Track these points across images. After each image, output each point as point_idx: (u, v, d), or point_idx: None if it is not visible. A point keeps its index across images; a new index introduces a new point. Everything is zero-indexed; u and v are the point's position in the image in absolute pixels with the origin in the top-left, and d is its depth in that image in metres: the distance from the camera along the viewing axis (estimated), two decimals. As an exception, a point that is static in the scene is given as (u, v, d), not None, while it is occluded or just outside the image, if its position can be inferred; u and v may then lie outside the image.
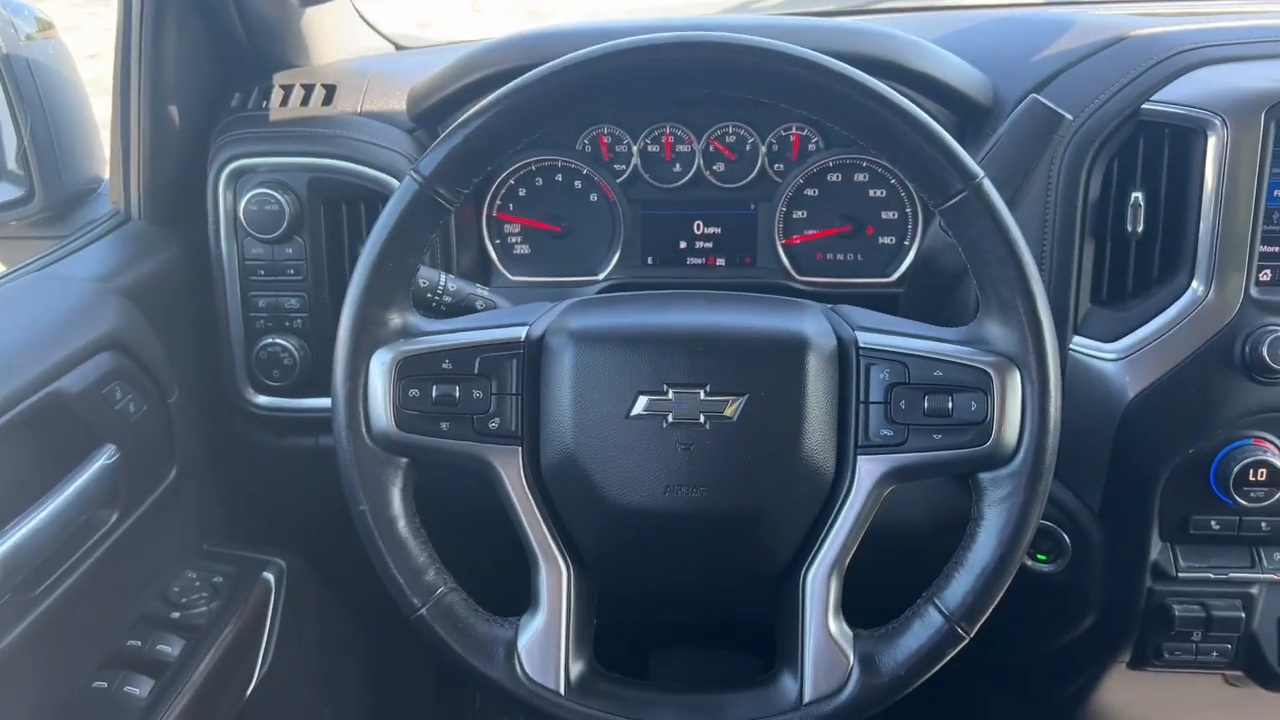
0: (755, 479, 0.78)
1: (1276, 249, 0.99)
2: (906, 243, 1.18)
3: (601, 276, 1.21)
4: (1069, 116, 0.88)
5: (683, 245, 1.22)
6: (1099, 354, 1.02)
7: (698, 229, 1.21)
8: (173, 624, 1.08)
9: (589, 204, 1.21)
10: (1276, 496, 0.99)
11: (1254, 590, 1.07)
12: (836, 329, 0.81)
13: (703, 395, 0.77)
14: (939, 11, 1.46)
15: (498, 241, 1.23)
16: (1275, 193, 0.98)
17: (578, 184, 1.21)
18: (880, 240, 1.19)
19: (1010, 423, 0.75)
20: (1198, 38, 1.00)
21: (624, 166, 1.19)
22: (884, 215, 1.18)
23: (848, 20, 1.17)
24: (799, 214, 1.19)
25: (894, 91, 0.74)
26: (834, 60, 0.74)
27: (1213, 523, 1.04)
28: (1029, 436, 0.75)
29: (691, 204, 1.21)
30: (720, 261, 1.22)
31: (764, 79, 0.75)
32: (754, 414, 0.77)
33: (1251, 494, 1.00)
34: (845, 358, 0.79)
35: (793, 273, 1.20)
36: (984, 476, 0.77)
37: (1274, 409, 0.99)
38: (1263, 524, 1.03)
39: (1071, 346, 1.04)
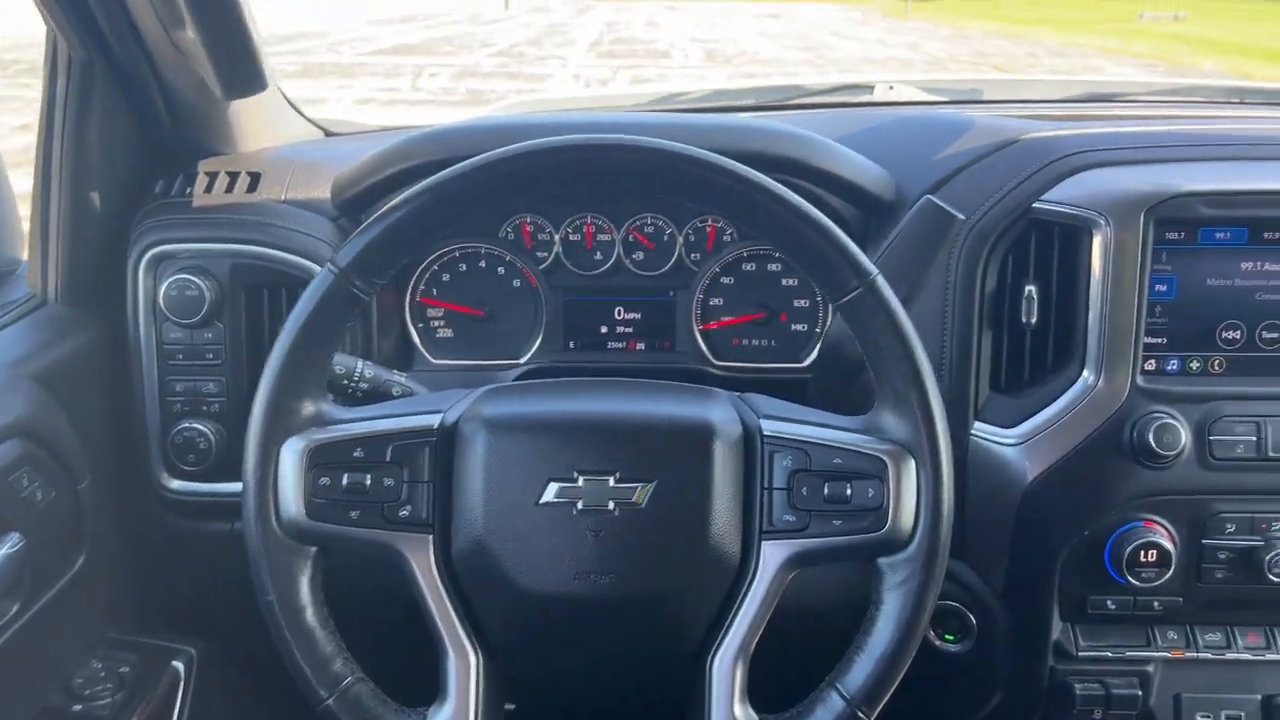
0: (663, 564, 0.80)
1: (1160, 340, 1.05)
2: (817, 329, 1.22)
3: (524, 360, 1.24)
4: (960, 216, 0.93)
5: (604, 330, 1.25)
6: (999, 439, 1.07)
7: (618, 314, 1.24)
8: (75, 717, 1.05)
9: (512, 289, 1.24)
10: (1166, 577, 1.04)
11: (1150, 668, 1.11)
12: (743, 416, 0.84)
13: (612, 482, 0.79)
14: (849, 109, 1.53)
15: (420, 325, 1.24)
16: (1157, 287, 1.04)
17: (501, 270, 1.24)
18: (793, 327, 1.23)
19: (905, 509, 0.78)
20: (1083, 142, 1.07)
21: (546, 254, 1.22)
22: (796, 303, 1.23)
23: (759, 119, 1.22)
24: (715, 301, 1.23)
25: (791, 192, 0.78)
26: (735, 163, 0.78)
27: (1109, 602, 1.08)
28: (924, 522, 0.78)
29: (612, 290, 1.24)
30: (640, 346, 1.25)
31: (669, 179, 0.79)
32: (662, 500, 0.79)
33: (1143, 574, 1.04)
34: (750, 445, 0.82)
35: (710, 357, 1.24)
36: (882, 561, 0.79)
37: (1162, 492, 1.04)
38: (1155, 603, 1.07)
39: (973, 432, 1.08)
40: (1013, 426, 1.06)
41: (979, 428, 1.08)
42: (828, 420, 0.83)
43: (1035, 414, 1.05)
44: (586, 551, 0.79)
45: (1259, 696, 1.12)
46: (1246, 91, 1.83)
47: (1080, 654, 1.10)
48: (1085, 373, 1.04)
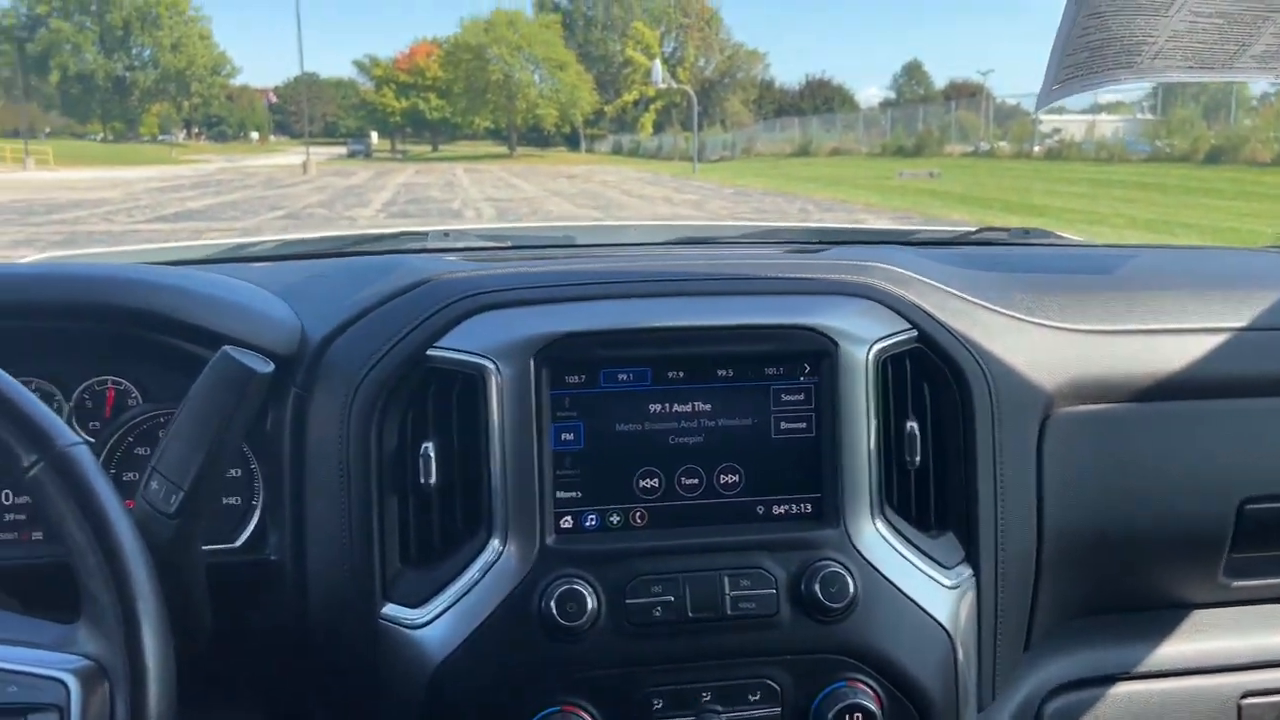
0: None
1: (573, 494, 0.95)
2: (254, 502, 1.07)
3: None
4: (262, 370, 0.81)
5: None
6: (407, 621, 0.93)
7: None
8: None
9: None
10: None
11: None
12: None
13: None
14: (294, 261, 1.42)
15: None
16: (563, 436, 0.95)
17: None
18: (225, 500, 1.08)
19: None
20: (480, 283, 0.99)
21: None
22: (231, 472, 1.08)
23: (136, 269, 1.08)
24: (129, 476, 1.06)
25: None
26: None
27: None
28: None
29: None
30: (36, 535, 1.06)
31: None
32: None
33: None
34: None
35: None
36: None
37: (579, 668, 0.92)
38: None
39: (381, 616, 0.94)
40: (421, 604, 0.93)
41: (388, 610, 0.94)
42: (16, 633, 0.67)
43: (444, 589, 0.93)
44: None
45: None
46: (828, 232, 1.87)
47: None
48: (493, 538, 0.93)
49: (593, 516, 0.96)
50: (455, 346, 0.95)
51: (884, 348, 1.00)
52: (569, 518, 0.95)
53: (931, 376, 1.04)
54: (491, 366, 0.93)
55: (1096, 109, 32.23)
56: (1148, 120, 30.60)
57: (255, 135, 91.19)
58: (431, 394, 0.96)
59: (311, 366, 0.98)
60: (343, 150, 66.99)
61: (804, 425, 0.99)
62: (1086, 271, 1.24)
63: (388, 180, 31.00)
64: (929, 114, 39.52)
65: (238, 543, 1.06)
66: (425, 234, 1.62)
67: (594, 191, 24.95)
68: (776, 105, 70.84)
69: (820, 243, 1.50)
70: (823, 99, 68.85)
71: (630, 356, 0.96)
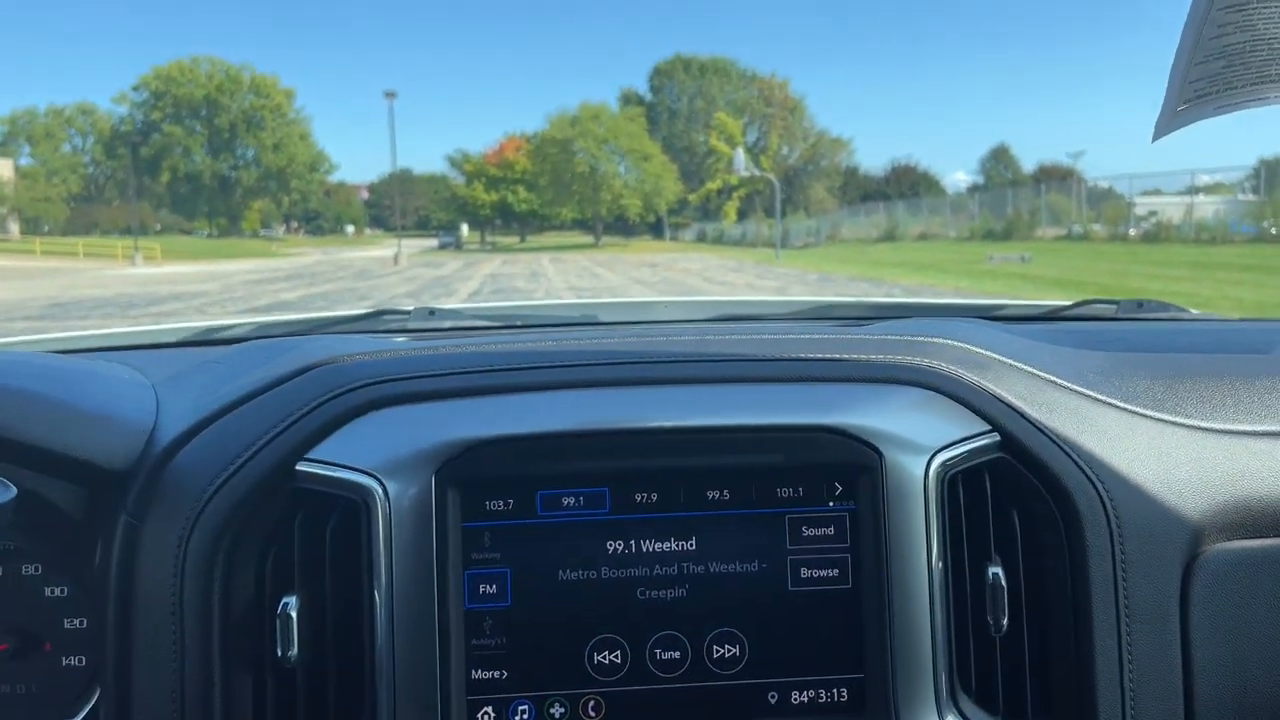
0: None
1: (496, 674, 0.66)
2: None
3: None
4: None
5: None
6: None
7: None
8: None
9: None
10: None
11: None
12: None
13: None
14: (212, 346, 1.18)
15: None
16: (483, 589, 0.66)
17: None
18: (65, 661, 0.81)
19: None
20: (380, 369, 0.72)
21: None
22: (68, 624, 0.81)
23: None
24: None
25: None
26: None
27: None
28: None
29: None
30: None
31: None
32: None
33: None
34: None
35: None
36: None
37: None
38: None
39: None
40: None
41: None
42: None
43: None
44: None
45: None
46: (892, 307, 1.57)
47: None
48: None
49: (525, 707, 0.67)
50: (332, 459, 0.68)
51: (951, 459, 0.70)
52: (490, 709, 0.66)
53: (1023, 501, 0.73)
54: (378, 488, 0.66)
55: (1194, 190, 31.22)
56: (1250, 200, 29.46)
57: (351, 229, 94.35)
58: (298, 527, 0.69)
59: (148, 484, 0.72)
60: (434, 242, 68.75)
61: (835, 572, 0.69)
62: (1233, 350, 0.91)
63: (475, 270, 31.55)
64: (1018, 197, 38.79)
65: (76, 719, 0.79)
66: (408, 313, 1.37)
67: (676, 280, 24.90)
68: (861, 191, 70.64)
69: (879, 318, 1.20)
70: (908, 184, 68.46)
71: (579, 473, 0.67)
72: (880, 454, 0.68)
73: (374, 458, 0.67)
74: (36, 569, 0.82)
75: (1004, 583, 0.70)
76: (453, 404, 0.70)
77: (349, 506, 0.68)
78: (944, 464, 0.70)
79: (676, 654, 0.68)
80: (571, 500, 0.68)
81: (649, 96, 76.98)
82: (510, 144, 75.97)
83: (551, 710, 0.67)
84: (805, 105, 75.26)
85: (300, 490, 0.69)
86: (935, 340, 0.78)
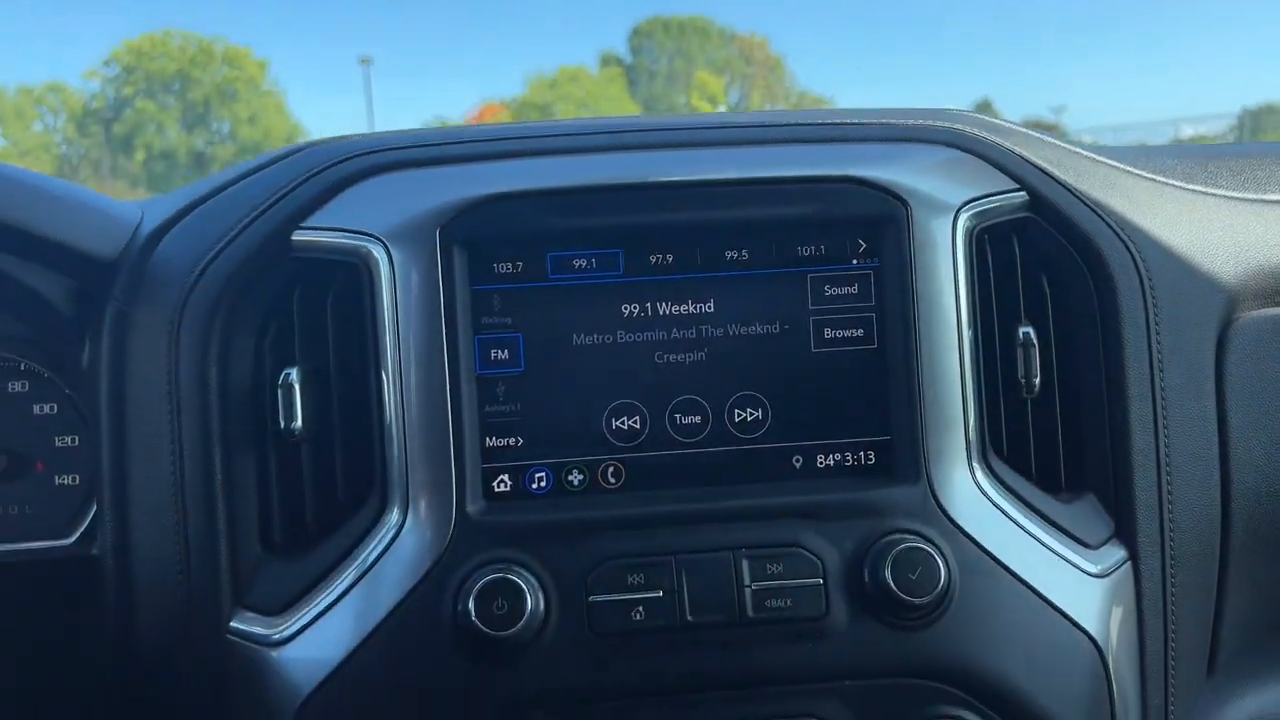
0: None
1: (510, 441, 0.64)
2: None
3: None
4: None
5: None
6: (263, 636, 0.62)
7: None
8: None
9: None
10: None
11: None
12: None
13: None
14: None
15: None
16: (494, 355, 0.64)
17: None
18: (58, 480, 0.79)
19: None
20: (373, 143, 0.69)
21: None
22: (58, 441, 0.78)
23: None
24: None
25: None
26: None
27: None
28: None
29: None
30: None
31: None
32: None
33: None
34: None
35: None
36: None
37: (524, 701, 0.60)
38: None
39: (230, 630, 0.63)
40: (285, 611, 0.62)
41: (239, 623, 0.63)
42: None
43: (317, 588, 0.62)
44: None
45: None
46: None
47: None
48: (389, 508, 0.62)
49: (543, 473, 0.64)
50: (329, 225, 0.65)
51: (980, 213, 0.67)
52: (505, 477, 0.64)
53: (1052, 265, 0.70)
54: (381, 251, 0.63)
55: (1178, 142, 31.29)
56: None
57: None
58: (297, 298, 0.66)
59: (135, 269, 0.69)
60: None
61: (860, 332, 0.66)
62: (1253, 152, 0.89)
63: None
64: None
65: (71, 538, 0.76)
66: None
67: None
68: (844, 148, 70.60)
69: None
70: (890, 140, 68.44)
71: (590, 231, 0.64)
72: (906, 206, 0.65)
73: (375, 221, 0.64)
74: (24, 385, 0.78)
75: (1035, 343, 0.67)
76: (457, 168, 0.67)
77: (351, 273, 0.65)
78: (973, 219, 0.67)
79: (697, 418, 0.65)
80: (583, 262, 0.65)
81: (629, 58, 76.44)
82: (489, 109, 75.36)
83: (569, 477, 0.65)
84: (785, 64, 74.87)
85: (298, 261, 0.66)
86: (961, 111, 0.76)
